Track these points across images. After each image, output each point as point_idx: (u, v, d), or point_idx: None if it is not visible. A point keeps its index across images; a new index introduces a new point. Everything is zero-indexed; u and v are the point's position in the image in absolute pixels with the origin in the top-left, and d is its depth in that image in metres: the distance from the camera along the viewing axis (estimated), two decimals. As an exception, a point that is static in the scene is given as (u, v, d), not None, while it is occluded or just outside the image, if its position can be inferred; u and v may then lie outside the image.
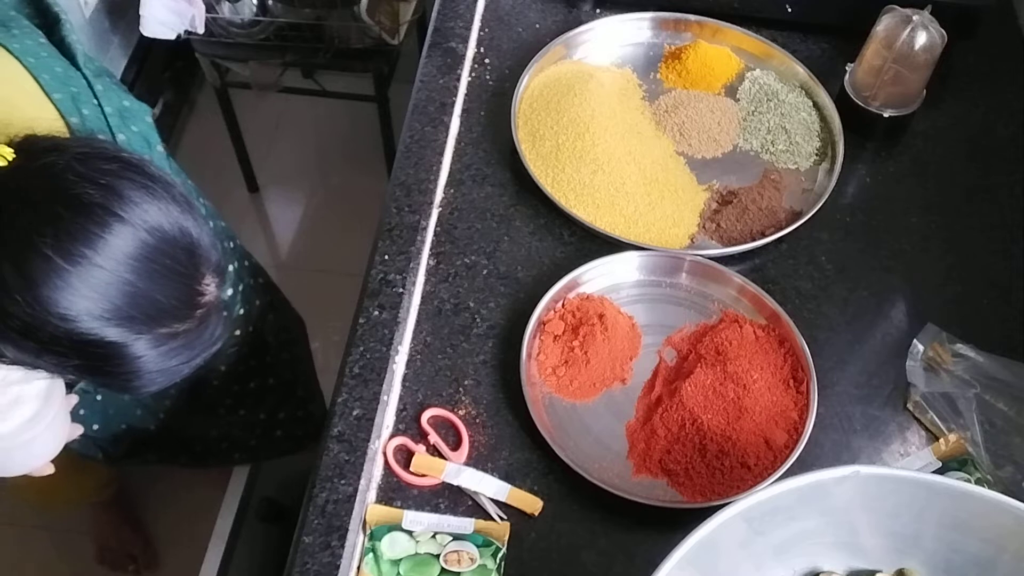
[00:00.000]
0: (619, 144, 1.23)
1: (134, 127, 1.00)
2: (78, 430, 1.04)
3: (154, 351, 0.77)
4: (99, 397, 1.20)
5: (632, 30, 1.40)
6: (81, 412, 1.19)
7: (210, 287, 0.80)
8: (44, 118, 0.89)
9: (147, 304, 0.75)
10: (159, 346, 0.77)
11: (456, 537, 0.96)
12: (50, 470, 1.00)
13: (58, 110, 0.91)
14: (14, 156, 0.75)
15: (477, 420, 1.05)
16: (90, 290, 0.72)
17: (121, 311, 0.73)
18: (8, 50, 0.90)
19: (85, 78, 0.97)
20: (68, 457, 1.01)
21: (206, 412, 1.35)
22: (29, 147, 0.76)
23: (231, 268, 1.21)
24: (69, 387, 1.11)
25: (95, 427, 1.24)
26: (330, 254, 2.30)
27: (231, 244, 1.26)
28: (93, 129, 0.94)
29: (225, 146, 2.28)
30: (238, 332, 1.25)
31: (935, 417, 1.04)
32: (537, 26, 1.42)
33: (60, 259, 0.71)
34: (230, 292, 1.21)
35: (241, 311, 1.25)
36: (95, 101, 0.96)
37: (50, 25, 1.01)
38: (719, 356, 1.06)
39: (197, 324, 0.80)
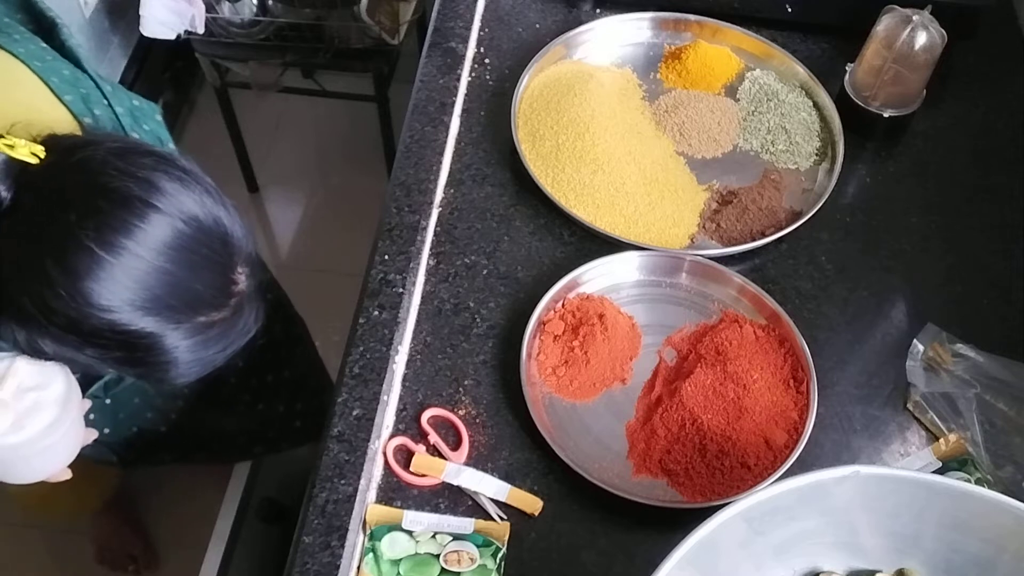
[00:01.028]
0: (619, 144, 1.23)
1: (146, 126, 1.01)
2: (92, 434, 1.04)
3: (191, 340, 0.79)
4: (108, 401, 1.20)
5: (632, 30, 1.40)
6: (91, 417, 1.19)
7: (243, 276, 0.82)
8: (59, 120, 0.90)
9: (185, 293, 0.77)
10: (196, 336, 0.79)
11: (456, 537, 0.96)
12: (67, 475, 1.00)
13: (71, 111, 0.92)
14: (46, 154, 0.76)
15: (477, 420, 1.05)
16: (131, 281, 0.73)
17: (161, 301, 0.75)
18: (14, 55, 0.90)
19: (92, 79, 0.97)
20: (78, 464, 1.01)
21: (224, 409, 1.35)
22: (56, 145, 0.77)
23: None
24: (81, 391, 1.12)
25: (105, 431, 1.23)
26: (330, 254, 2.29)
27: None
28: (107, 129, 0.95)
29: (225, 146, 2.28)
30: None
31: (935, 417, 1.04)
32: (537, 26, 1.43)
33: (102, 251, 0.72)
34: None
35: None
36: (105, 101, 0.97)
37: (46, 31, 1.01)
38: (719, 356, 1.06)
39: (232, 313, 0.81)
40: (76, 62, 0.98)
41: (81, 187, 0.75)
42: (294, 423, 1.46)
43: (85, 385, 1.12)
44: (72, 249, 0.72)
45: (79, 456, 0.99)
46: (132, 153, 0.78)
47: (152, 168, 0.77)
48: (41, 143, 0.77)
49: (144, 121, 1.01)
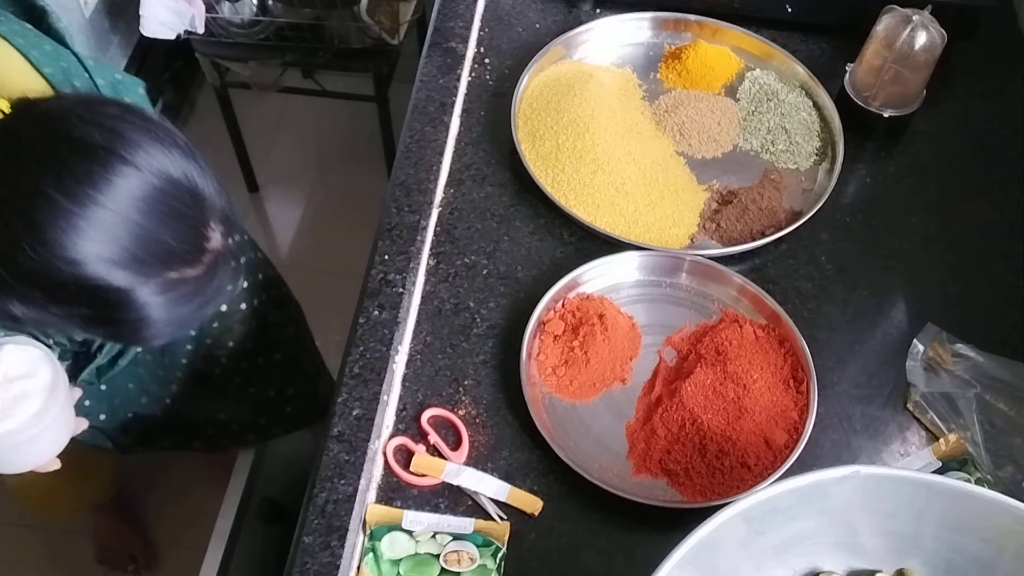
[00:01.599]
0: (619, 144, 1.23)
1: (128, 99, 1.00)
2: (83, 424, 1.04)
3: (162, 297, 0.77)
4: (103, 387, 1.19)
5: (632, 30, 1.40)
6: (86, 403, 1.19)
7: (216, 234, 0.80)
8: (38, 91, 0.90)
9: (155, 246, 0.75)
10: (167, 292, 0.77)
11: (456, 537, 0.96)
12: (56, 465, 1.00)
13: (49, 83, 0.91)
14: (11, 110, 0.75)
15: (477, 420, 1.05)
16: (96, 231, 0.72)
17: (128, 253, 0.73)
18: None
19: (75, 55, 0.97)
20: (71, 458, 1.01)
21: (216, 394, 1.34)
22: (23, 102, 0.77)
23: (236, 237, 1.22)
24: (73, 377, 1.11)
25: (102, 417, 1.23)
26: (330, 254, 2.30)
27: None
28: None
29: (225, 146, 2.28)
30: (243, 306, 1.25)
31: (935, 417, 1.04)
32: (537, 26, 1.43)
33: (65, 201, 0.71)
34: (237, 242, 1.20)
35: (245, 283, 1.25)
36: (87, 75, 0.96)
37: (37, 19, 1.01)
38: (719, 356, 1.06)
39: (205, 271, 0.80)
40: (62, 42, 0.98)
41: (43, 136, 0.73)
42: (285, 409, 1.45)
43: (76, 370, 1.11)
44: (34, 200, 0.71)
45: (75, 446, 0.99)
46: (97, 104, 0.77)
47: (118, 118, 0.75)
48: (11, 102, 0.76)
49: (126, 94, 1.01)
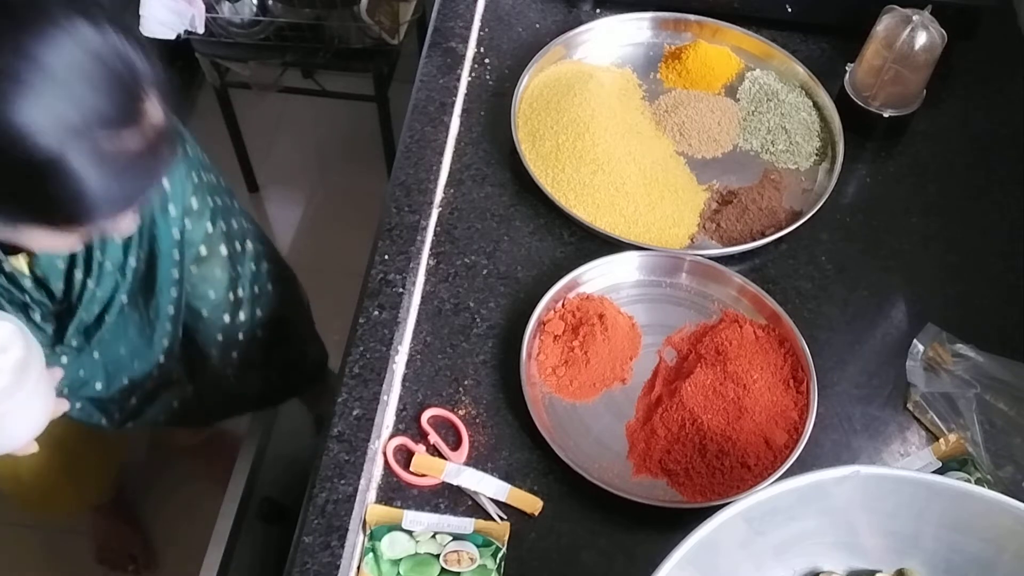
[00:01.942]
0: (619, 144, 1.23)
1: None
2: (63, 406, 1.02)
3: (98, 169, 0.74)
4: (96, 355, 1.18)
5: (632, 30, 1.40)
6: (81, 373, 1.17)
7: (154, 105, 0.78)
8: None
9: (82, 107, 0.73)
10: (103, 163, 0.75)
11: (456, 537, 0.96)
12: (34, 449, 0.98)
13: None
14: None
15: (477, 420, 1.05)
16: (15, 86, 0.70)
17: (53, 113, 0.71)
18: None
19: None
20: (72, 456, 0.99)
21: (201, 363, 1.33)
22: None
23: (205, 177, 1.21)
24: (59, 340, 1.09)
25: (98, 387, 1.21)
26: (330, 254, 2.30)
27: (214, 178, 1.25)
28: None
29: (225, 146, 2.28)
30: (223, 250, 1.24)
31: (935, 417, 1.04)
32: (537, 26, 1.43)
33: None
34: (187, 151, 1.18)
35: (224, 227, 1.24)
36: None
37: None
38: (719, 356, 1.06)
39: (146, 145, 0.78)
40: None
41: None
42: (270, 375, 1.44)
43: (60, 331, 1.09)
44: None
45: (68, 425, 0.97)
46: None
47: None
48: None
49: None
